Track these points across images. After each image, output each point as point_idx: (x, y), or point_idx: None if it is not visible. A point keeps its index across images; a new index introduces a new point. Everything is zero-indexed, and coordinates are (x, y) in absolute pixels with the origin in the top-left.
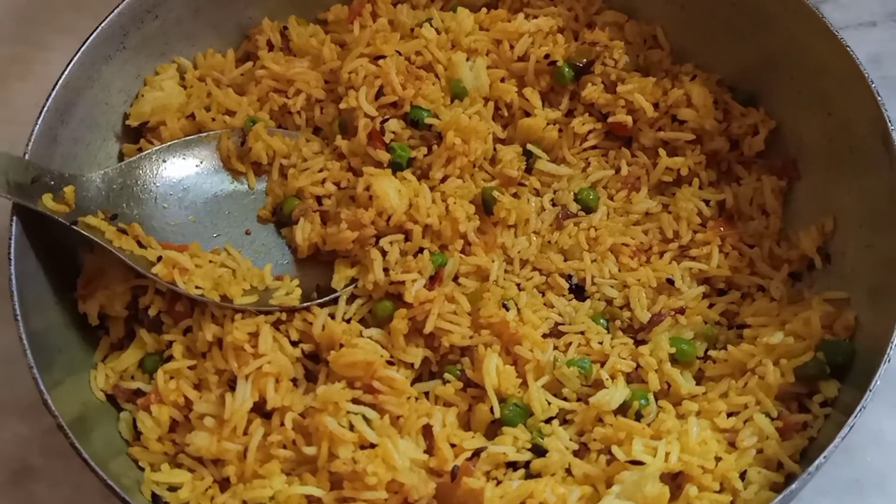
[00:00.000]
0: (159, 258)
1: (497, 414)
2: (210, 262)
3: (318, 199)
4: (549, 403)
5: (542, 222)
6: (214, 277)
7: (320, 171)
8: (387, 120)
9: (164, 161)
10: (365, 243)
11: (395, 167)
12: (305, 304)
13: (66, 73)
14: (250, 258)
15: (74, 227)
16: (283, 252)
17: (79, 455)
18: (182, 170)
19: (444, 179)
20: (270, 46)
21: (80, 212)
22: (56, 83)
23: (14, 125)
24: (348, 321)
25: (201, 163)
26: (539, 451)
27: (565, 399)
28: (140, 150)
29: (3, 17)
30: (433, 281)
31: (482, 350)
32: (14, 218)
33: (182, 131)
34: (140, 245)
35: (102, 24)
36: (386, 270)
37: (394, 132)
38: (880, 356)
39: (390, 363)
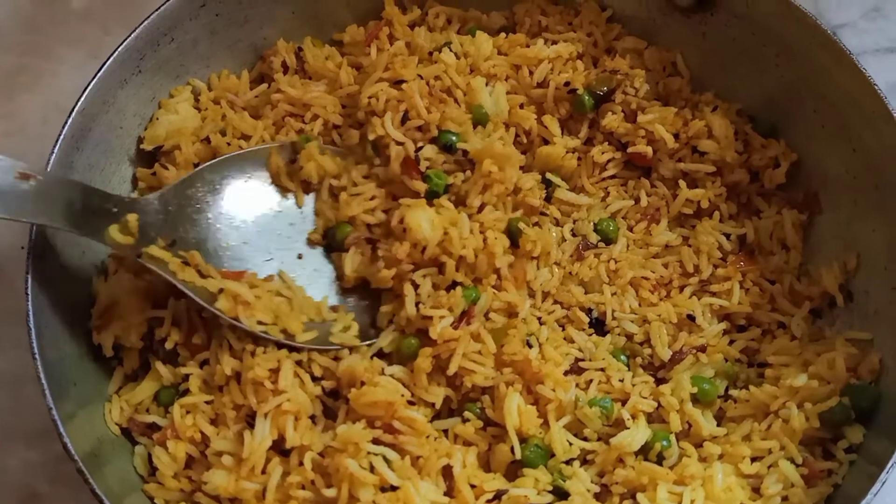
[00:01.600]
0: (220, 290)
1: (518, 455)
2: (267, 291)
3: (369, 227)
4: (571, 444)
5: (563, 253)
6: (273, 308)
7: (371, 198)
8: (421, 147)
9: (215, 178)
10: (403, 278)
11: (432, 195)
12: (366, 343)
13: (82, 99)
14: (303, 285)
15: (139, 260)
16: (331, 277)
17: (94, 494)
18: (233, 187)
19: (481, 208)
20: (285, 68)
21: (143, 241)
22: (72, 110)
23: (22, 137)
24: (376, 355)
25: (249, 179)
26: (560, 494)
27: (586, 439)
28: (154, 174)
29: (10, 27)
30: (464, 317)
31: (503, 389)
32: (31, 247)
33: (197, 155)
34: (200, 275)
35: (119, 49)
36: (418, 305)
37: (428, 159)
38: None
39: (411, 403)
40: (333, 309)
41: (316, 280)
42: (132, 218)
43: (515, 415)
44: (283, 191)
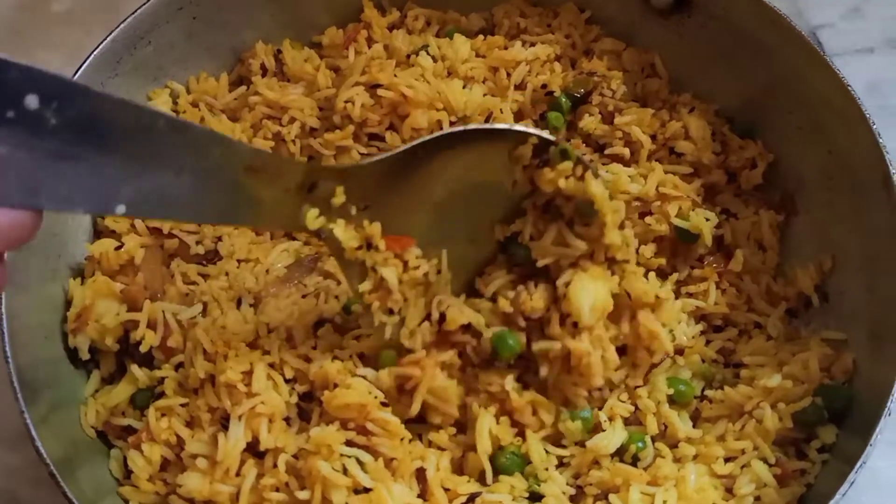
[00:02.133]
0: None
1: (490, 476)
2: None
3: None
4: (548, 452)
5: None
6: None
7: None
8: None
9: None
10: None
11: None
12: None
13: None
14: None
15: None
16: None
17: (66, 498)
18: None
19: None
20: (264, 70)
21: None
22: None
23: None
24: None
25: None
26: (535, 497)
27: (563, 446)
28: None
29: None
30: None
31: (476, 409)
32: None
33: None
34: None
35: (95, 52)
36: None
37: None
38: (881, 407)
39: (384, 404)
40: None
41: None
42: (339, 192)
43: (487, 440)
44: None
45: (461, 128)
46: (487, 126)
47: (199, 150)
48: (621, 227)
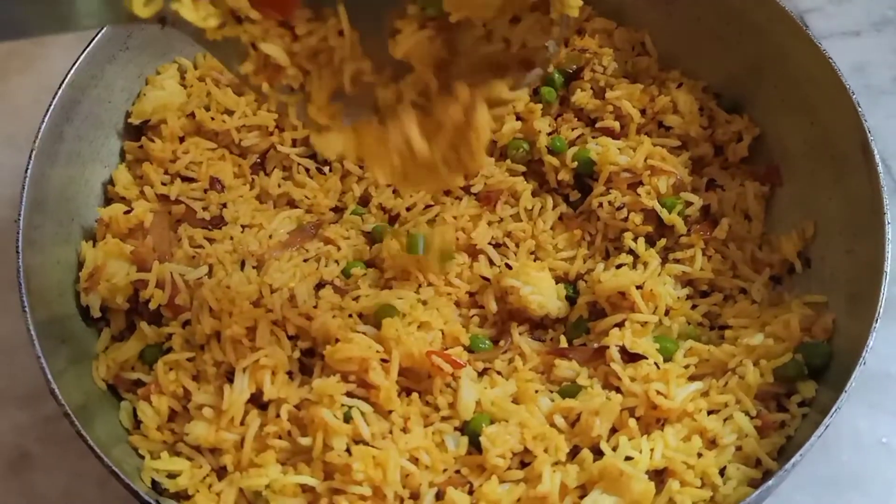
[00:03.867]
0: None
1: None
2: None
3: None
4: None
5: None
6: None
7: None
8: None
9: None
10: None
11: None
12: None
13: (71, 72)
14: None
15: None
16: None
17: (84, 441)
18: None
19: None
20: None
21: None
22: (62, 82)
23: (14, 118)
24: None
25: None
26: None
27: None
28: (141, 146)
29: None
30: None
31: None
32: (22, 210)
33: (182, 129)
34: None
35: (107, 26)
36: None
37: None
38: (856, 358)
39: (385, 361)
40: None
41: None
42: None
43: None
44: None
45: None
46: None
47: None
48: None
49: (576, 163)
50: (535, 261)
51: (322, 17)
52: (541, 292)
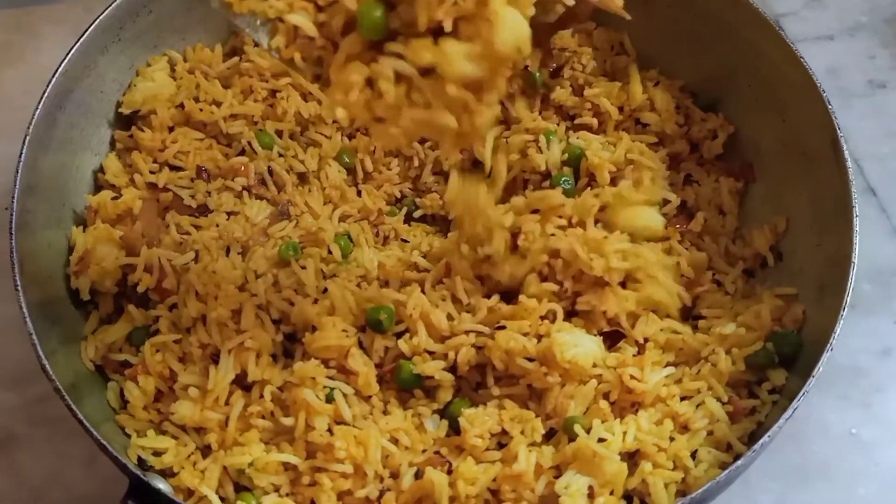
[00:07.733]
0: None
1: None
2: None
3: None
4: None
5: None
6: None
7: None
8: None
9: None
10: None
11: None
12: None
13: (65, 61)
14: None
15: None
16: None
17: (74, 416)
18: None
19: None
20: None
21: None
22: (56, 71)
23: (6, 108)
24: None
25: None
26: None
27: None
28: (131, 136)
29: None
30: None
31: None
32: (16, 194)
33: (172, 120)
34: None
35: (100, 17)
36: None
37: None
38: (824, 346)
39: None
40: None
41: None
42: None
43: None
44: None
45: None
46: None
47: None
48: None
49: (566, 155)
50: None
51: None
52: None
